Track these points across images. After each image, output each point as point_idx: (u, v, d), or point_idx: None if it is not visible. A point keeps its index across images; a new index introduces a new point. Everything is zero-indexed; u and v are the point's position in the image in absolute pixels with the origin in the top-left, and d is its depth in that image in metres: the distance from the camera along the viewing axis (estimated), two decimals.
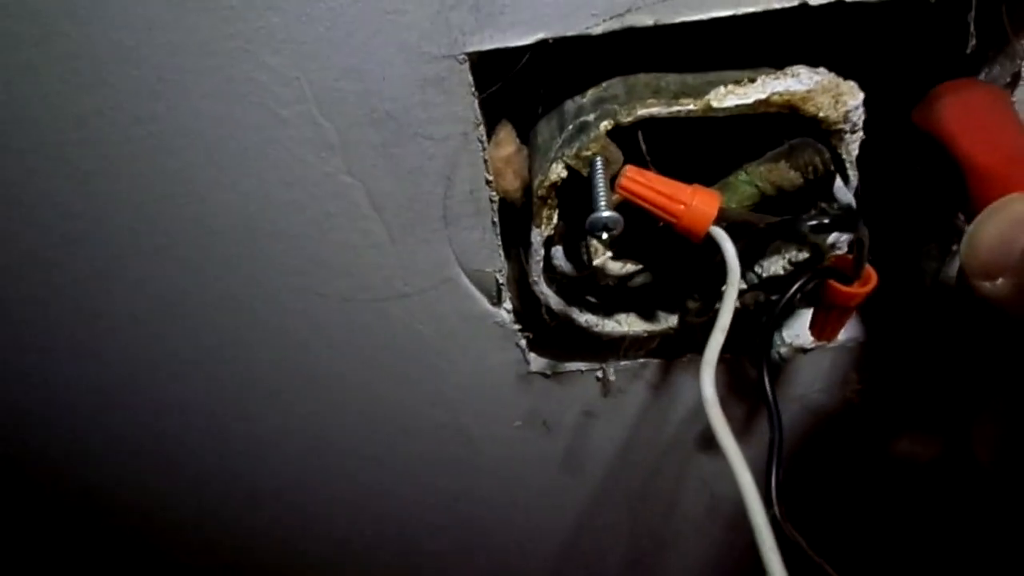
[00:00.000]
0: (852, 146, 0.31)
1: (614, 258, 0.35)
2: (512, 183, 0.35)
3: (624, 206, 0.30)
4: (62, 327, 0.44)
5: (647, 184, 0.30)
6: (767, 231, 0.31)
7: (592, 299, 0.39)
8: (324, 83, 0.32)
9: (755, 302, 0.36)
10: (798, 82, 0.30)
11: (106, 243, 0.39)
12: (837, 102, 0.30)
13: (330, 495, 0.54)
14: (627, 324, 0.38)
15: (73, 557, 0.66)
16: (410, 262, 0.38)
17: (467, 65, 0.31)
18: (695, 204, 0.29)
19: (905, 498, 0.48)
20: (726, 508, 0.50)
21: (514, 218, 0.36)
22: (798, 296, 0.32)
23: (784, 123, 0.31)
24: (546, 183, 0.32)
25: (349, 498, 0.54)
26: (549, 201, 0.33)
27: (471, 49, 0.30)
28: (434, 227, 0.36)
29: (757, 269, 0.35)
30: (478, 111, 0.32)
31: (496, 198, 0.35)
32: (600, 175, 0.31)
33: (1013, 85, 0.31)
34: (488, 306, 0.39)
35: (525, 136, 0.36)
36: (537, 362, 0.42)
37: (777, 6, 0.29)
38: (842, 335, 0.36)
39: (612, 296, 0.38)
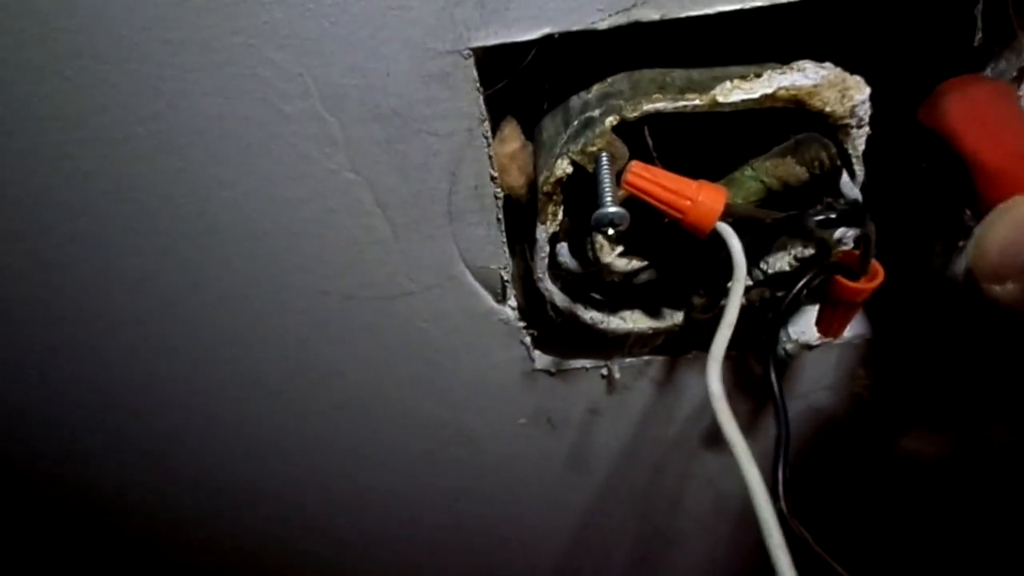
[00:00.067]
0: (858, 141, 0.31)
1: (620, 254, 0.35)
2: (517, 179, 0.35)
3: (630, 202, 0.30)
4: (62, 326, 0.44)
5: (653, 180, 0.30)
6: (773, 227, 0.31)
7: (597, 296, 0.38)
8: (328, 79, 0.32)
9: (761, 298, 0.36)
10: (804, 77, 0.30)
11: (107, 242, 0.39)
12: (843, 97, 0.30)
13: (331, 494, 0.54)
14: (632, 321, 0.38)
15: (73, 557, 0.66)
16: (414, 259, 0.38)
17: (472, 60, 0.31)
18: (701, 200, 0.29)
19: (911, 495, 0.48)
20: (731, 505, 0.50)
21: (519, 214, 0.36)
22: (804, 292, 0.32)
23: (790, 118, 0.31)
24: (551, 179, 0.32)
25: (350, 497, 0.54)
26: (554, 197, 0.33)
27: (476, 44, 0.30)
28: (438, 224, 0.36)
29: (763, 265, 0.35)
30: (483, 107, 0.32)
31: (501, 194, 0.35)
32: (606, 171, 0.31)
33: (1020, 80, 0.31)
34: (493, 303, 0.39)
35: (530, 132, 0.36)
36: (542, 359, 0.42)
37: (783, 0, 0.29)
38: (848, 331, 0.36)
39: (617, 293, 0.38)
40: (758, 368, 0.41)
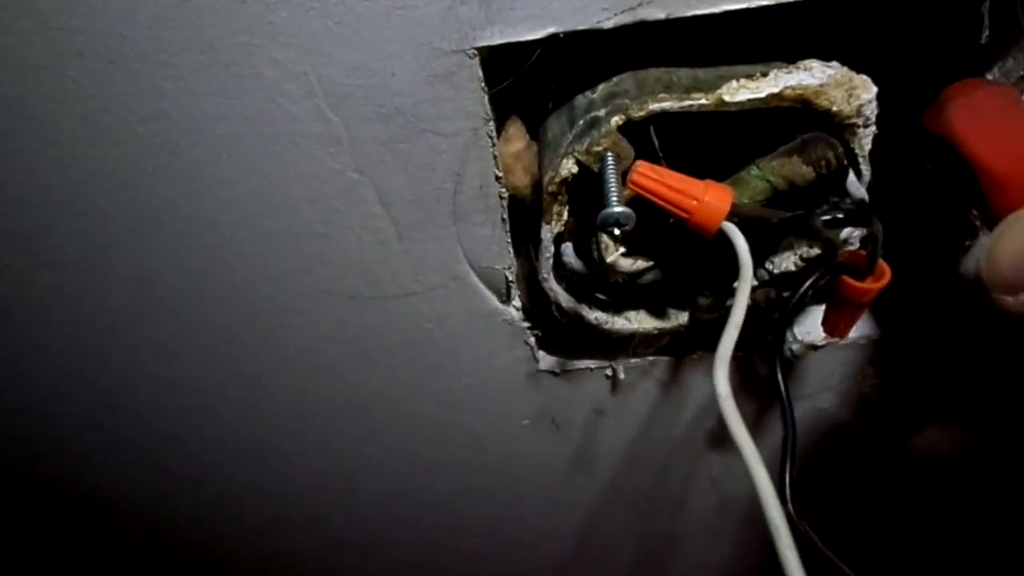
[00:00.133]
0: (865, 140, 0.31)
1: (625, 254, 0.34)
2: (522, 179, 0.35)
3: (635, 202, 0.30)
4: (64, 326, 0.44)
5: (659, 179, 0.30)
6: (779, 226, 0.31)
7: (602, 296, 0.38)
8: (333, 78, 0.31)
9: (766, 298, 0.36)
10: (811, 76, 0.30)
11: (108, 242, 0.39)
12: (850, 96, 0.30)
13: (332, 495, 0.54)
14: (637, 321, 0.38)
15: (73, 558, 0.66)
16: (418, 259, 0.37)
17: (477, 60, 0.31)
18: (707, 200, 0.29)
19: (919, 495, 0.47)
20: (736, 506, 0.50)
21: (523, 214, 0.36)
22: (810, 292, 0.32)
23: (796, 117, 0.31)
24: (556, 179, 0.32)
25: (352, 498, 0.54)
26: (559, 197, 0.33)
27: (481, 44, 0.30)
28: (443, 224, 0.36)
29: (768, 265, 0.35)
30: (488, 107, 0.32)
31: (506, 194, 0.35)
32: (611, 171, 0.31)
33: None
34: (497, 304, 0.39)
35: (535, 131, 0.36)
36: (546, 360, 0.42)
37: None
38: (854, 331, 0.36)
39: (622, 293, 0.38)
40: (763, 368, 0.41)
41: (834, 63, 0.30)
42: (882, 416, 0.43)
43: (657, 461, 0.47)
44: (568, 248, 0.35)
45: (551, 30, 0.30)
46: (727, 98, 0.30)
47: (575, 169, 0.32)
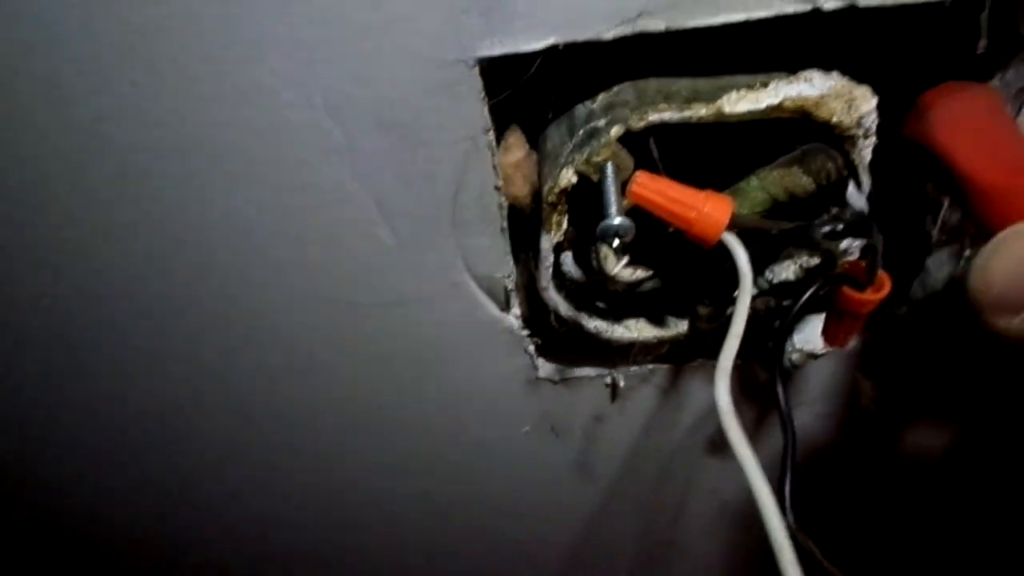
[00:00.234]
0: (865, 151, 0.31)
1: (624, 264, 0.34)
2: (522, 189, 0.35)
3: (635, 211, 0.30)
4: (62, 333, 0.44)
5: (658, 190, 0.29)
6: (779, 238, 0.31)
7: (601, 304, 0.38)
8: (332, 88, 0.31)
9: (766, 307, 0.36)
10: (811, 87, 0.30)
11: (108, 249, 0.39)
12: (850, 107, 0.30)
13: (331, 502, 0.54)
14: (637, 330, 0.38)
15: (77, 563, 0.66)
16: (418, 267, 0.37)
17: (477, 70, 0.31)
18: (707, 211, 0.29)
19: (918, 502, 0.47)
20: (736, 512, 0.50)
21: (523, 223, 0.36)
22: (810, 303, 0.32)
23: (796, 127, 0.31)
24: (556, 189, 0.32)
25: (351, 505, 0.54)
26: (559, 207, 0.33)
27: (481, 54, 0.30)
28: (443, 232, 0.36)
29: (768, 274, 0.35)
30: (488, 116, 0.32)
31: (505, 204, 0.35)
32: (611, 181, 0.31)
33: None
34: (496, 312, 0.39)
35: (535, 140, 0.36)
36: (545, 368, 0.42)
37: (790, 11, 0.29)
38: (855, 341, 0.36)
39: (621, 301, 0.38)
40: (764, 375, 0.41)
41: (834, 74, 0.30)
42: (882, 424, 0.43)
43: (657, 467, 0.47)
44: (568, 257, 0.35)
45: (551, 41, 0.30)
46: (726, 109, 0.30)
47: (575, 179, 0.32)
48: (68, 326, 0.43)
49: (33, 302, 0.42)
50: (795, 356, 0.38)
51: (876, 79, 0.30)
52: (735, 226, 0.29)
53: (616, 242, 0.30)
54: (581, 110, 0.33)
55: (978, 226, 0.28)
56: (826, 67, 0.30)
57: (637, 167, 0.31)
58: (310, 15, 0.30)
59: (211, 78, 0.31)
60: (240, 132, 0.33)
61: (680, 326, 0.38)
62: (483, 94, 0.31)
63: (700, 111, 0.30)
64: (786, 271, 0.35)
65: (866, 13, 0.29)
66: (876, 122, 0.30)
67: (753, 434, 0.43)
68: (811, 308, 0.33)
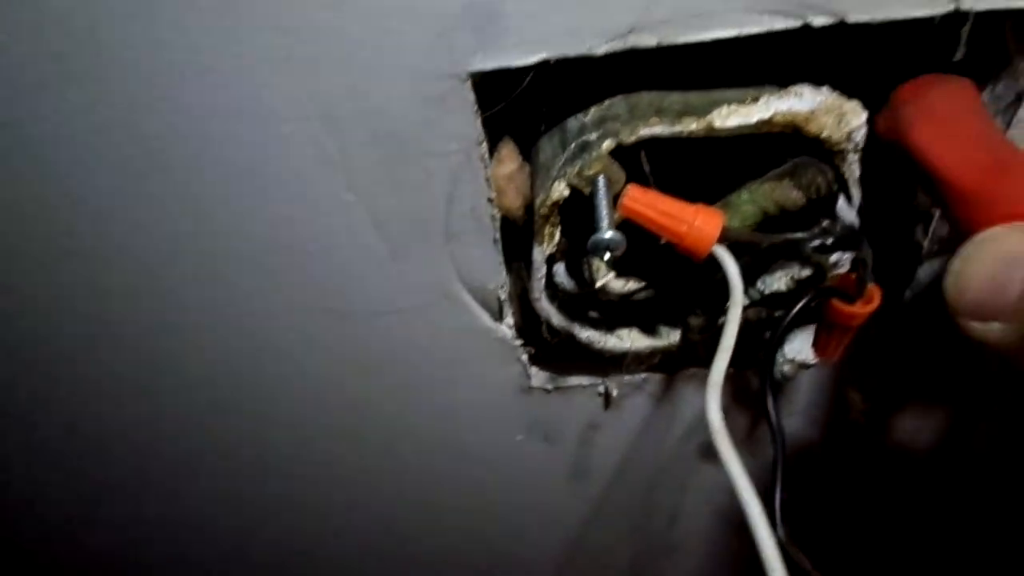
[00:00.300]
0: (855, 166, 0.31)
1: (616, 276, 0.35)
2: (514, 201, 0.35)
3: (627, 223, 0.30)
4: (60, 343, 0.44)
5: (650, 204, 0.30)
6: (769, 251, 0.31)
7: (594, 314, 0.38)
8: (326, 101, 0.31)
9: (757, 318, 0.36)
10: (801, 101, 0.30)
11: (101, 260, 0.39)
12: (840, 122, 0.30)
13: (325, 511, 0.54)
14: (629, 340, 0.38)
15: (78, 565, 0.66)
16: (411, 278, 0.38)
17: (469, 84, 0.31)
18: (698, 224, 0.29)
19: (908, 513, 0.48)
20: (728, 519, 0.50)
21: (516, 234, 0.36)
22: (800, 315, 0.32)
23: (787, 141, 0.31)
24: (548, 202, 0.32)
25: (346, 513, 0.54)
26: (551, 219, 0.33)
27: (473, 69, 0.30)
28: (435, 244, 0.36)
29: (759, 286, 0.35)
30: (480, 129, 0.32)
31: (498, 215, 0.35)
32: (602, 195, 0.31)
33: (1017, 104, 0.31)
34: (489, 322, 0.39)
35: (527, 152, 0.36)
36: (538, 377, 0.42)
37: (780, 27, 0.29)
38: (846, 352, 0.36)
39: (614, 311, 0.38)
40: (756, 382, 0.41)
41: (824, 88, 0.30)
42: (873, 435, 0.43)
43: (650, 475, 0.48)
44: (560, 268, 0.35)
45: (542, 56, 0.30)
46: (717, 124, 0.30)
47: (567, 192, 0.32)
48: (56, 337, 0.43)
49: (26, 311, 0.42)
50: (786, 368, 0.39)
51: (866, 93, 0.30)
52: (726, 239, 0.30)
53: (607, 255, 0.30)
54: (573, 123, 0.34)
55: (954, 227, 0.27)
56: (817, 81, 0.31)
57: (629, 180, 0.31)
58: (303, 28, 0.30)
59: (203, 91, 0.31)
60: (232, 144, 0.33)
61: (673, 336, 0.38)
62: (476, 107, 0.31)
63: (691, 125, 0.30)
64: (778, 282, 0.35)
65: (855, 29, 0.29)
66: (866, 136, 0.30)
67: (746, 440, 0.43)
68: (801, 320, 0.33)
